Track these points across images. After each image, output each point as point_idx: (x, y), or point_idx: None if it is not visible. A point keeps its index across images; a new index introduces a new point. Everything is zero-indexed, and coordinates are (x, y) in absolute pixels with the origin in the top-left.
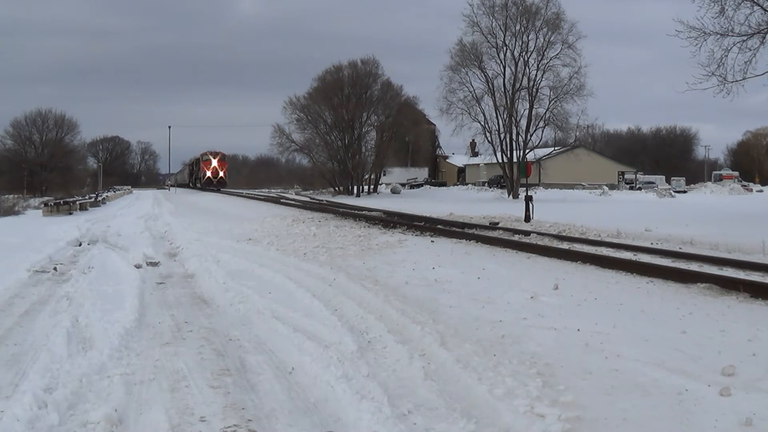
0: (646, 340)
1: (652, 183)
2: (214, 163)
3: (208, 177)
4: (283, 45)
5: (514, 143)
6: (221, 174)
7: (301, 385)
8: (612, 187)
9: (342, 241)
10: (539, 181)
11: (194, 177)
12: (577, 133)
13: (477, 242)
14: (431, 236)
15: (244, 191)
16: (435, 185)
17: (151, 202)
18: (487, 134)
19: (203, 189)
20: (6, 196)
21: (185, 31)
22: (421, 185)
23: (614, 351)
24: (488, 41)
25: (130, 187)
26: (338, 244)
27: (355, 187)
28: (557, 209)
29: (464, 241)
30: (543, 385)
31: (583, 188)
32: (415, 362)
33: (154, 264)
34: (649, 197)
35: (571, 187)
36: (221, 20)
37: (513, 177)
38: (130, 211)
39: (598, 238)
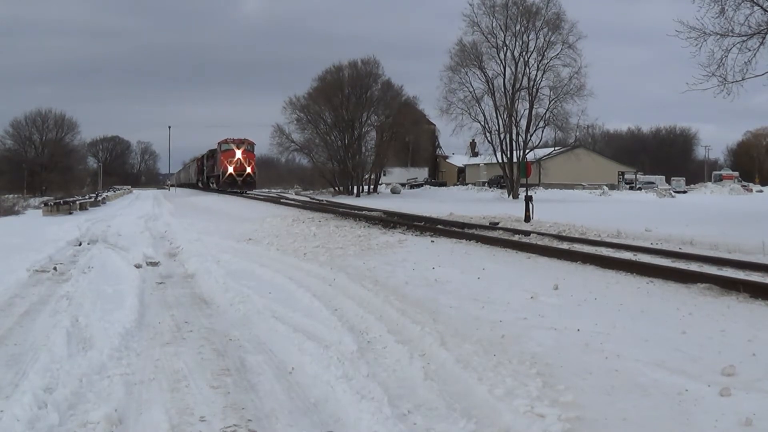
0: (646, 341)
1: (652, 183)
2: (239, 154)
3: (230, 174)
4: (283, 45)
5: (514, 143)
6: (249, 170)
7: (301, 385)
8: (612, 187)
9: (342, 241)
10: (539, 181)
11: (206, 174)
12: (577, 133)
13: (477, 242)
14: (431, 236)
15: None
16: (435, 185)
17: (151, 202)
18: (487, 134)
19: (221, 190)
20: (6, 195)
21: (185, 31)
22: (421, 185)
23: (614, 351)
24: (488, 41)
25: (130, 187)
26: (338, 244)
27: (355, 187)
28: (557, 209)
29: (464, 241)
30: (543, 385)
31: (583, 188)
32: (415, 362)
33: (154, 264)
34: (649, 197)
35: (571, 187)
36: (221, 20)
37: (513, 177)
38: (130, 211)
39: (598, 238)
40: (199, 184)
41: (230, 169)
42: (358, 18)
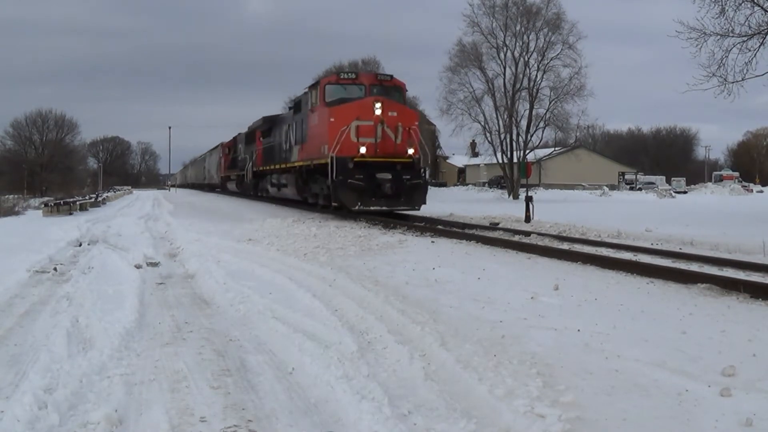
0: (647, 341)
1: (653, 183)
2: (378, 109)
3: (359, 163)
4: (285, 45)
5: (514, 143)
6: (411, 150)
7: (301, 386)
8: (612, 187)
9: (342, 241)
10: (539, 181)
11: (257, 165)
12: (578, 134)
13: (477, 242)
14: (431, 236)
15: None
16: (435, 185)
17: (151, 202)
18: (488, 134)
19: (328, 206)
20: (6, 196)
21: (186, 31)
22: None
23: (614, 351)
24: (488, 41)
25: (130, 187)
26: (338, 245)
27: None
28: (557, 209)
29: (464, 241)
30: (543, 386)
31: (584, 189)
32: (416, 362)
33: (155, 264)
34: (650, 198)
35: (572, 187)
36: (223, 21)
37: (513, 177)
38: (131, 212)
39: (599, 239)
40: (230, 186)
41: (362, 149)
42: (360, 18)
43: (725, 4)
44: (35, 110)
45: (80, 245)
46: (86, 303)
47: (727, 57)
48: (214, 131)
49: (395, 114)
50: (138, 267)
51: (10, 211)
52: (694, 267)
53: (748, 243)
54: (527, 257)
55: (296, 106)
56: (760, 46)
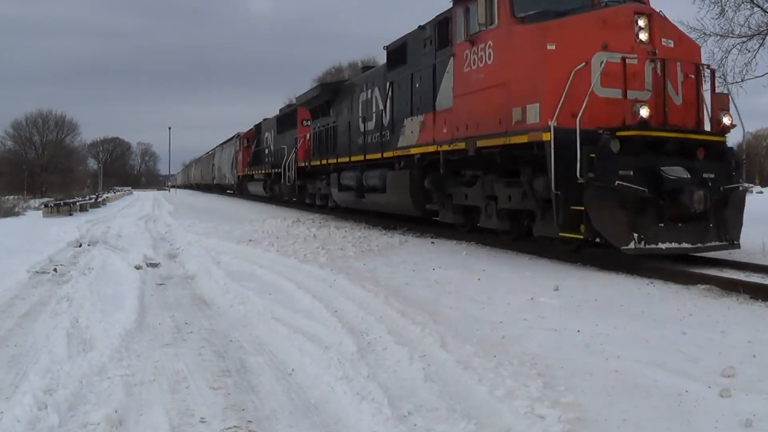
0: (647, 342)
1: None
2: (643, 32)
3: (635, 134)
4: (285, 45)
5: None
6: (727, 120)
7: (301, 386)
8: None
9: (342, 242)
10: None
11: (306, 165)
12: None
13: (477, 243)
14: (431, 237)
15: None
16: None
17: (151, 203)
18: None
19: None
20: (6, 197)
21: (186, 31)
22: None
23: (615, 352)
24: None
25: (130, 188)
26: (338, 246)
27: None
28: None
29: (464, 242)
30: (543, 386)
31: None
32: (416, 363)
33: (154, 265)
34: None
35: None
36: (223, 21)
37: None
38: (131, 212)
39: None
40: (253, 188)
41: (642, 111)
42: (361, 18)
43: (725, 5)
44: (35, 111)
45: (80, 246)
46: (86, 304)
47: (726, 58)
48: (214, 131)
49: (671, 44)
50: (138, 268)
51: (10, 212)
52: (694, 268)
53: (747, 244)
54: (527, 258)
55: (397, 53)
56: (759, 47)
